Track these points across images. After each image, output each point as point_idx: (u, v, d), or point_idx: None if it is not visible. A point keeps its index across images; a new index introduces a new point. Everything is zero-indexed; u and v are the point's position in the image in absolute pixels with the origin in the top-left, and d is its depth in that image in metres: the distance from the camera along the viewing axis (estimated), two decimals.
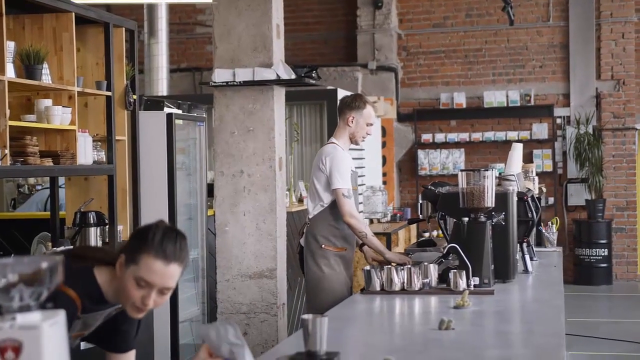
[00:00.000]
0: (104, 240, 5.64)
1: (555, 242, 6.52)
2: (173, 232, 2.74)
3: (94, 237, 5.48)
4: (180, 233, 2.75)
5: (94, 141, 5.56)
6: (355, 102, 5.32)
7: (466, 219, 4.50)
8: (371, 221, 10.39)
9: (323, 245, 5.27)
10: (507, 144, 11.84)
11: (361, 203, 9.91)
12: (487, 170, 4.53)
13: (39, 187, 8.38)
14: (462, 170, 4.59)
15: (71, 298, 2.69)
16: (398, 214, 11.00)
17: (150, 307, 2.72)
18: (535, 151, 12.75)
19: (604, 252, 12.35)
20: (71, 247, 5.05)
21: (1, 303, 1.77)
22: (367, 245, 5.32)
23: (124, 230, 5.90)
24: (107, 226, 5.65)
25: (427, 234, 11.23)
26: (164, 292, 2.70)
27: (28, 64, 4.88)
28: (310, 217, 5.36)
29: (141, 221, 6.09)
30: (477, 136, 12.91)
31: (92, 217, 5.50)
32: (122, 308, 2.85)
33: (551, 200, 12.67)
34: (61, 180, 6.09)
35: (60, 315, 1.81)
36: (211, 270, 6.73)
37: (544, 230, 6.50)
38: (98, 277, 2.77)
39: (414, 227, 11.13)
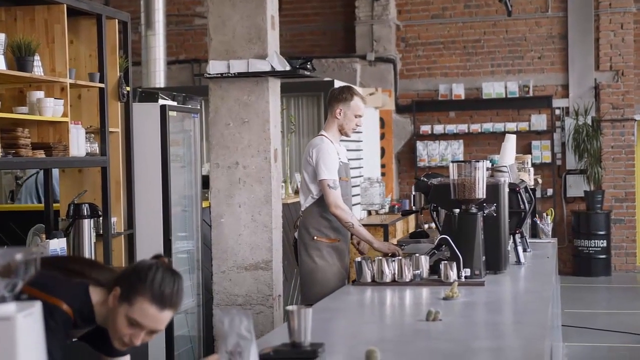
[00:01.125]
0: (97, 233, 5.64)
1: (550, 233, 6.51)
2: (171, 275, 2.73)
3: (88, 229, 5.48)
4: (177, 275, 2.75)
5: (87, 133, 5.56)
6: (343, 94, 5.32)
7: (457, 210, 4.50)
8: (369, 213, 10.39)
9: (315, 237, 5.29)
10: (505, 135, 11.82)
11: (358, 195, 9.92)
12: (478, 161, 4.52)
13: None
14: (453, 162, 4.59)
15: (67, 313, 2.69)
16: (396, 206, 10.99)
17: (137, 345, 2.73)
18: (534, 142, 12.74)
19: (602, 243, 12.35)
20: (66, 256, 5.02)
21: None
22: (354, 236, 5.33)
23: (117, 222, 5.90)
24: (100, 218, 5.65)
25: (426, 226, 11.23)
26: (154, 332, 2.73)
27: (19, 56, 4.88)
28: (302, 209, 5.38)
29: (135, 213, 6.09)
30: (475, 127, 12.90)
31: (85, 209, 5.49)
32: None
33: (550, 191, 12.66)
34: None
35: (36, 307, 1.82)
36: (206, 261, 6.74)
37: (538, 222, 6.49)
38: (92, 297, 2.76)
39: (412, 218, 11.13)
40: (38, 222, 5.89)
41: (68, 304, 2.69)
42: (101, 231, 5.68)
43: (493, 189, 4.66)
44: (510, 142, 5.88)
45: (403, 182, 13.24)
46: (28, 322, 1.77)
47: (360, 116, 5.34)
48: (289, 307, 2.79)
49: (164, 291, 2.67)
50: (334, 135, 5.34)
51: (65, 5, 5.27)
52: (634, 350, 8.11)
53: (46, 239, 5.37)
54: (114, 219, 5.82)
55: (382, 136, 12.47)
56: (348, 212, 5.23)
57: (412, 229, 10.91)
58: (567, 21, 12.79)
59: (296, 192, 8.45)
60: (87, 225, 5.50)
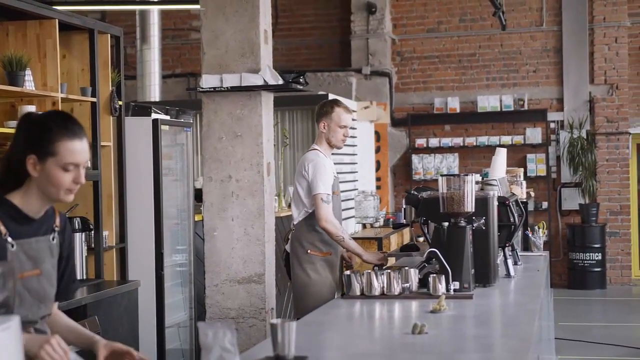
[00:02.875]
0: (89, 246, 5.65)
1: (542, 246, 6.52)
2: (65, 114, 2.90)
3: (79, 242, 5.49)
4: (69, 113, 2.93)
5: None
6: (324, 107, 5.39)
7: (446, 223, 4.51)
8: (364, 226, 10.40)
9: (309, 251, 5.32)
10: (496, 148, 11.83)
11: (352, 208, 9.93)
12: (467, 175, 4.54)
13: None
14: (442, 175, 4.60)
15: None
16: (391, 219, 10.98)
17: (82, 182, 2.84)
18: (529, 155, 12.77)
19: (597, 256, 12.35)
20: None
21: None
22: (345, 249, 5.36)
23: (109, 236, 5.91)
24: (92, 232, 5.66)
25: (421, 239, 11.22)
26: (84, 166, 2.86)
27: (10, 71, 4.90)
28: (294, 223, 5.40)
29: (127, 227, 6.10)
30: (471, 141, 12.93)
31: (77, 223, 5.50)
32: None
33: (545, 204, 12.68)
34: None
35: (14, 321, 1.83)
36: (199, 275, 6.75)
37: (530, 235, 6.50)
38: (13, 200, 2.85)
39: (407, 231, 11.13)
40: None
41: None
42: (93, 245, 5.69)
43: (482, 202, 4.67)
44: (501, 155, 5.89)
45: (398, 195, 13.25)
46: (5, 337, 1.78)
47: (345, 127, 5.38)
48: (273, 321, 2.80)
49: (73, 126, 2.82)
50: (326, 149, 5.39)
51: (57, 20, 5.30)
52: None
53: None
54: (105, 233, 5.83)
55: (378, 149, 12.50)
56: (338, 226, 5.26)
57: (406, 242, 10.91)
58: (561, 35, 12.84)
59: (289, 206, 8.46)
60: (79, 239, 5.51)
